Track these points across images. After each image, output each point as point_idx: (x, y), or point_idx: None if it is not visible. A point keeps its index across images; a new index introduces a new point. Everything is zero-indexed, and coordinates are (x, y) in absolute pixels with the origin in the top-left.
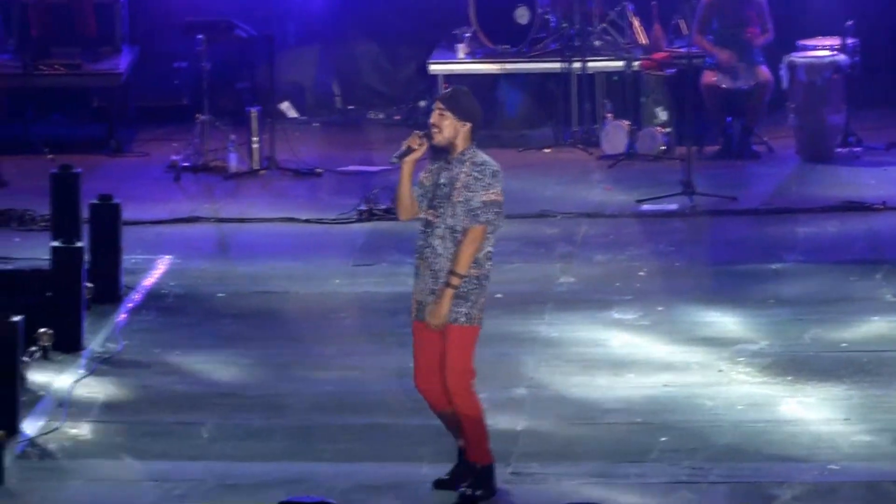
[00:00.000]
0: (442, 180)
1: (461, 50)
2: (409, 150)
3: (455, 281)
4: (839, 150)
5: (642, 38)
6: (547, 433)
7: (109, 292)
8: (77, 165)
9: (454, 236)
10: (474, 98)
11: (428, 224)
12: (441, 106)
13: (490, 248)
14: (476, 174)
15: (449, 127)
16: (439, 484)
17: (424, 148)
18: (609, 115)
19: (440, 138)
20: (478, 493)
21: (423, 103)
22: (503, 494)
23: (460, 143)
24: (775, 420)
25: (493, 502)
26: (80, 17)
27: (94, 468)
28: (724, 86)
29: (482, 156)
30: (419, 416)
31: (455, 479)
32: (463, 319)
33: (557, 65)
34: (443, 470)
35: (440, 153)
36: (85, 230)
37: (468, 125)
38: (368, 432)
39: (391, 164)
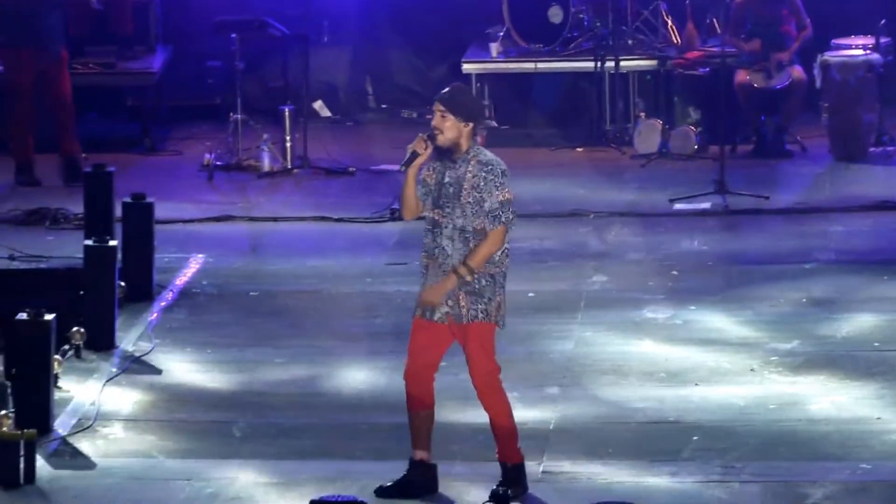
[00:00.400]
0: (447, 179)
1: (494, 49)
2: (415, 155)
3: (463, 271)
4: (872, 149)
5: (675, 38)
6: (578, 432)
7: (142, 291)
8: (110, 164)
9: (464, 236)
10: (474, 95)
11: (435, 224)
12: (441, 108)
13: (507, 245)
14: (485, 174)
15: (451, 128)
16: (381, 491)
17: (430, 151)
18: (642, 114)
19: (443, 140)
20: (510, 492)
21: None
22: (535, 492)
23: (464, 143)
24: (807, 419)
25: (524, 500)
26: (118, 17)
27: (126, 467)
28: (757, 85)
29: (487, 154)
30: (451, 414)
31: (400, 489)
32: (481, 316)
33: (590, 64)
34: (475, 468)
35: (445, 154)
36: (118, 229)
37: (470, 124)
38: (400, 430)
39: (400, 171)
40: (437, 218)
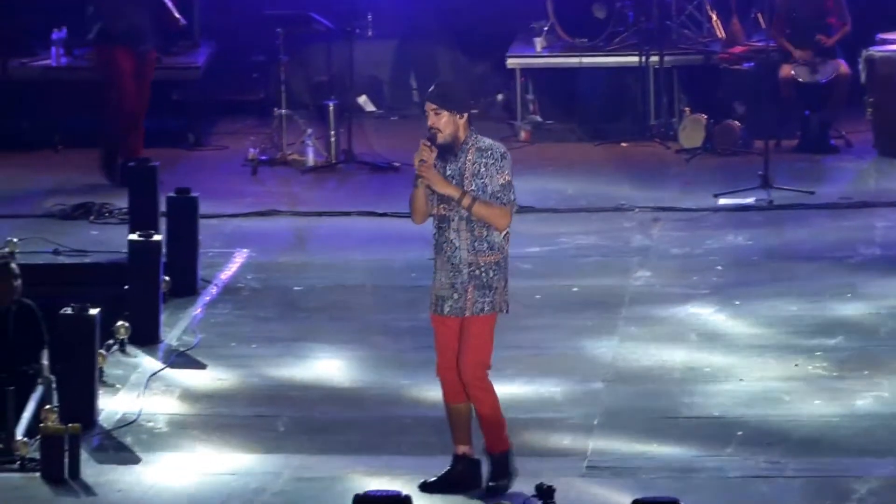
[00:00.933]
0: (448, 172)
1: (539, 44)
2: (424, 163)
3: (467, 199)
4: None
5: (720, 32)
6: (623, 427)
7: (186, 286)
8: (155, 159)
9: (470, 226)
10: (461, 84)
11: (442, 219)
12: (433, 106)
13: (508, 230)
14: (485, 159)
15: (448, 124)
16: (425, 487)
17: (435, 153)
18: (686, 108)
19: (444, 137)
20: (501, 482)
21: (500, 97)
22: (579, 487)
23: (462, 134)
24: (851, 415)
25: (568, 496)
26: (162, 12)
27: (170, 461)
28: (801, 79)
29: (485, 140)
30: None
31: (444, 484)
32: (487, 308)
33: (635, 58)
34: (520, 463)
35: (448, 150)
36: (162, 223)
37: (465, 115)
38: (445, 425)
39: (415, 186)
40: (443, 213)
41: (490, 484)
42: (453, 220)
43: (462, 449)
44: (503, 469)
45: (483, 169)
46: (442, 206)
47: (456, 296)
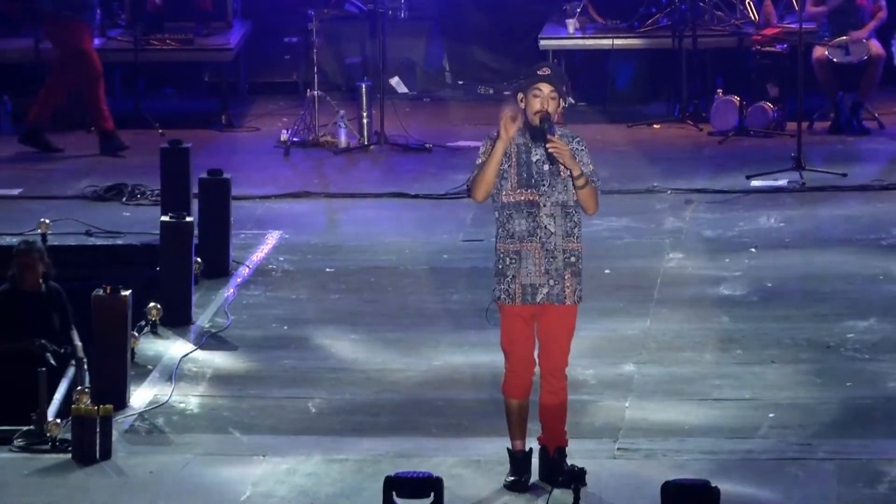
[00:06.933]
0: (536, 157)
1: (571, 25)
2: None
3: (583, 179)
4: None
5: (753, 14)
6: (654, 409)
7: (218, 267)
8: (187, 140)
9: (565, 211)
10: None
11: (531, 204)
12: (551, 88)
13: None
14: (576, 144)
15: (556, 110)
16: (514, 486)
17: (520, 124)
18: (719, 90)
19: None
20: (578, 468)
21: None
22: (610, 469)
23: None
24: (883, 397)
25: (599, 478)
26: None
27: (202, 442)
28: (835, 60)
29: (562, 129)
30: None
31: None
32: (582, 296)
33: (668, 40)
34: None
35: (542, 136)
36: (194, 205)
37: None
38: (476, 407)
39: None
40: (532, 199)
41: (574, 467)
42: (545, 206)
43: (523, 444)
44: (564, 463)
45: (576, 154)
46: (530, 191)
47: (552, 282)
